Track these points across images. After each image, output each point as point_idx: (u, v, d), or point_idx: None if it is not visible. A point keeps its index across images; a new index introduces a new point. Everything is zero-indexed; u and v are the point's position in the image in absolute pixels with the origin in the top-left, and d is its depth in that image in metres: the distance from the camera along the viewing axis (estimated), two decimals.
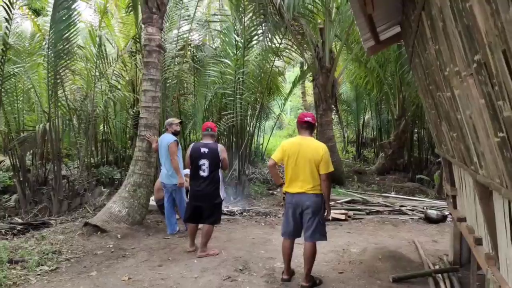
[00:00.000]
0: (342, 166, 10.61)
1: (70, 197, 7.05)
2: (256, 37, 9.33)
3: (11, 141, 7.16)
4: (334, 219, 6.44)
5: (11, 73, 7.14)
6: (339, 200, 7.57)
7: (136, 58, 8.94)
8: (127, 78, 9.64)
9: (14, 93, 7.77)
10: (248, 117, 10.11)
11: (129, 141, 10.09)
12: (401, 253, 4.89)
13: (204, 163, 4.66)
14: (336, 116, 15.25)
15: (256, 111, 10.37)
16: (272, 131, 11.87)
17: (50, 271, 4.21)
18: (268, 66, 9.85)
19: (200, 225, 4.88)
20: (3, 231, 5.77)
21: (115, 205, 5.75)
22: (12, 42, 7.13)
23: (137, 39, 8.44)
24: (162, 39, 6.54)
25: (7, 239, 5.37)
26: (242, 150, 9.00)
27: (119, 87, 9.23)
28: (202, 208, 4.71)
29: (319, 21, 9.78)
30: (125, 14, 9.12)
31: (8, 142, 7.23)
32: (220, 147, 4.77)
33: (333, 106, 10.88)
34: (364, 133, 15.97)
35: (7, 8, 6.46)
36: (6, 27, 6.53)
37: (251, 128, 10.06)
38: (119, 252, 4.84)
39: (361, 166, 12.84)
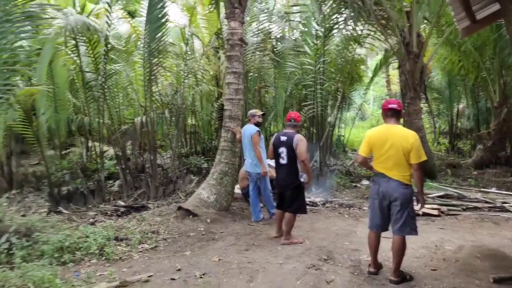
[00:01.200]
0: (433, 158, 9.92)
1: (165, 183, 7.68)
2: (336, 25, 9.12)
3: (114, 133, 8.00)
4: (425, 214, 6.07)
5: (113, 71, 7.96)
6: (430, 194, 7.11)
7: (219, 53, 9.34)
8: (211, 73, 10.12)
9: (115, 90, 8.64)
10: (329, 108, 9.95)
11: (214, 133, 10.61)
12: (504, 253, 4.45)
13: (283, 151, 4.73)
14: (426, 104, 14.24)
15: (337, 101, 10.15)
16: (354, 122, 11.53)
17: (150, 249, 4.66)
18: (349, 54, 9.57)
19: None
20: (109, 212, 6.53)
21: (204, 192, 6.11)
22: (113, 43, 7.92)
23: (220, 35, 8.81)
24: (244, 33, 6.73)
25: (112, 219, 6.05)
26: (323, 141, 8.91)
27: (204, 81, 9.74)
28: (284, 195, 4.81)
29: (405, 3, 9.19)
30: (208, 11, 9.56)
31: (111, 134, 8.08)
32: (297, 136, 4.73)
33: (422, 94, 10.19)
34: (459, 123, 14.68)
35: (107, 13, 7.21)
36: (107, 29, 7.29)
37: (332, 119, 9.90)
38: (209, 235, 5.16)
39: (456, 159, 11.86)
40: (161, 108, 8.50)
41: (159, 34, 7.29)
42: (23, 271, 3.60)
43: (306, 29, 9.68)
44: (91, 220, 6.07)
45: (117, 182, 7.98)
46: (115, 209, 6.60)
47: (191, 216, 5.73)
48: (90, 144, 9.08)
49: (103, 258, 4.30)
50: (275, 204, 5.56)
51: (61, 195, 7.24)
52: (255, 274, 3.82)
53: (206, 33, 10.38)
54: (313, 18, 9.40)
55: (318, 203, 6.96)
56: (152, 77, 7.68)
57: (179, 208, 5.86)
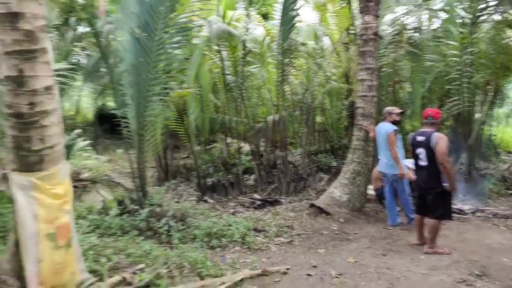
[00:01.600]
0: None
1: (296, 180, 7.90)
2: (486, 10, 7.97)
3: (249, 130, 8.55)
4: None
5: (249, 73, 8.51)
6: None
7: (348, 49, 9.12)
8: (341, 70, 9.95)
9: (250, 90, 9.22)
10: (478, 103, 8.80)
11: (343, 131, 10.43)
12: None
13: (421, 152, 4.36)
14: None
15: (488, 96, 8.90)
16: (508, 119, 9.96)
17: (286, 242, 4.86)
18: (503, 42, 8.28)
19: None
20: (246, 204, 7.03)
21: (336, 191, 6.08)
22: (249, 47, 8.44)
23: (350, 30, 8.60)
24: (378, 27, 6.43)
25: (250, 211, 6.50)
26: (470, 141, 7.93)
27: (334, 78, 9.64)
28: (426, 199, 4.44)
29: None
30: (339, 7, 9.41)
31: (247, 131, 8.67)
32: (436, 134, 4.26)
33: None
34: None
35: (245, 19, 7.73)
36: (245, 34, 7.80)
37: (481, 116, 8.73)
38: (343, 235, 5.12)
39: None
40: (292, 107, 8.74)
41: (291, 35, 7.49)
42: (180, 251, 4.13)
43: (449, 17, 8.71)
44: (231, 210, 6.63)
45: (253, 177, 8.51)
46: (252, 202, 7.07)
47: (323, 214, 5.76)
48: (228, 140, 9.89)
49: (245, 246, 4.65)
50: (413, 208, 5.20)
51: (206, 185, 8.07)
52: (396, 282, 3.63)
53: (336, 30, 10.24)
54: (457, 4, 8.41)
55: (467, 211, 6.23)
56: (284, 77, 7.94)
57: (312, 205, 5.95)
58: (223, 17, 8.96)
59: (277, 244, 4.81)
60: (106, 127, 12.84)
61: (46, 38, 2.29)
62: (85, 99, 13.09)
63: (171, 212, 5.14)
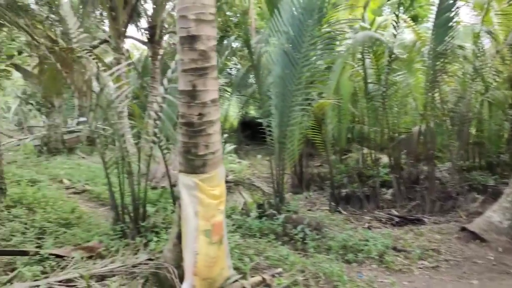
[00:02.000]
0: None
1: (442, 198, 7.12)
2: None
3: (389, 141, 8.07)
4: None
5: (394, 80, 8.03)
6: None
7: None
8: (505, 75, 8.59)
9: (394, 99, 8.70)
10: None
11: (504, 145, 8.98)
12: None
13: None
14: None
15: None
16: None
17: (430, 267, 4.41)
18: None
19: None
20: (383, 219, 6.64)
21: (495, 215, 5.25)
22: (396, 53, 7.98)
23: None
24: None
25: (386, 227, 6.12)
26: None
27: (495, 85, 8.38)
28: None
29: None
30: (506, 4, 8.16)
31: (386, 142, 8.20)
32: None
33: None
34: None
35: (394, 23, 7.34)
36: (393, 40, 7.40)
37: None
38: (501, 267, 4.39)
39: None
40: (441, 117, 7.91)
41: (446, 38, 6.80)
42: (315, 260, 4.15)
43: None
44: (366, 224, 6.35)
45: (390, 191, 8.01)
46: (389, 218, 6.64)
47: (477, 241, 5.04)
48: (365, 151, 9.53)
49: (383, 265, 4.39)
50: None
51: (340, 196, 7.94)
52: None
53: (501, 30, 8.90)
54: None
55: None
56: (434, 84, 7.25)
57: (463, 229, 5.27)
58: (371, 24, 8.72)
59: (420, 267, 4.41)
60: (247, 133, 13.82)
61: (215, 56, 2.60)
62: (232, 108, 14.40)
63: (307, 220, 5.20)
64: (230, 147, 8.11)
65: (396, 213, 7.00)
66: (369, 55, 7.69)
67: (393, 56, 7.37)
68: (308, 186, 8.97)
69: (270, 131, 5.58)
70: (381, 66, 7.56)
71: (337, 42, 6.17)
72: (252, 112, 16.46)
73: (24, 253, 3.60)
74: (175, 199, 5.69)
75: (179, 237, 3.13)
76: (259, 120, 5.87)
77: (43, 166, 8.71)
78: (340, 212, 7.26)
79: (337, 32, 5.56)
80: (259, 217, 5.42)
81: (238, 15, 9.99)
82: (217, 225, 3.00)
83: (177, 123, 5.65)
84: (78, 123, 12.38)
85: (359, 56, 7.79)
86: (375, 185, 7.92)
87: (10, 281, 3.11)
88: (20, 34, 7.35)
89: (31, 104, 11.59)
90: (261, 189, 7.79)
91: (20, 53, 7.79)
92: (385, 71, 7.46)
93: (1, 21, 5.13)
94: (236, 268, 3.55)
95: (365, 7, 7.77)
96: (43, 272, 3.36)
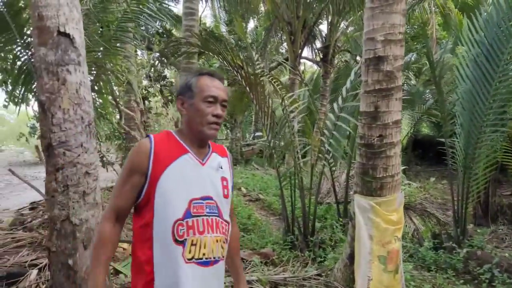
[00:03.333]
0: None
1: None
2: None
3: None
4: None
5: None
6: None
7: None
8: None
9: None
10: None
11: None
12: None
13: None
14: None
15: None
16: None
17: None
18: None
19: None
20: None
21: None
22: None
23: None
24: None
25: None
26: None
27: None
28: None
29: None
30: None
31: None
32: None
33: None
34: None
35: None
36: None
37: None
38: None
39: None
40: None
41: None
42: None
43: None
44: None
45: None
46: None
47: None
48: None
49: None
50: None
51: None
52: None
53: None
54: None
55: None
56: None
57: None
58: None
59: None
60: (418, 153, 12.71)
61: (401, 76, 2.49)
62: (402, 125, 13.53)
63: (497, 259, 4.42)
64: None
65: None
66: None
67: None
68: (495, 219, 7.62)
69: (453, 152, 4.99)
70: None
71: None
72: (425, 129, 15.10)
73: None
74: (342, 216, 5.67)
75: (351, 258, 3.09)
76: (439, 140, 5.33)
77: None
78: None
79: None
80: (434, 248, 4.89)
81: (415, 26, 9.34)
82: (393, 253, 2.83)
83: (348, 141, 5.66)
84: (254, 137, 13.69)
85: None
86: None
87: None
88: (215, 61, 8.64)
89: None
90: (436, 216, 6.99)
91: None
92: None
93: (202, 50, 6.11)
94: None
95: None
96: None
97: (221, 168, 1.59)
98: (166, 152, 1.48)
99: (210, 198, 1.51)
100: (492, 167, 5.71)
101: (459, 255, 4.51)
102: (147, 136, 1.53)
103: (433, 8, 9.44)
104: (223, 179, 1.58)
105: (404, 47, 2.52)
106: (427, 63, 5.23)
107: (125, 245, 4.12)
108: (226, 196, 1.57)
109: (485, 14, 4.43)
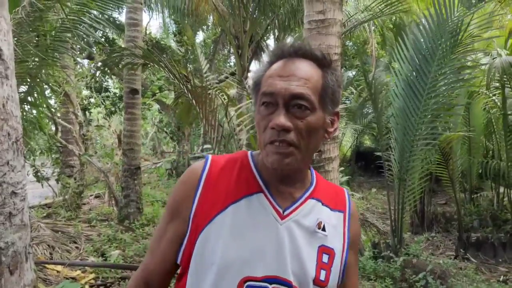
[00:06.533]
0: None
1: None
2: None
3: None
4: None
5: None
6: None
7: None
8: None
9: None
10: None
11: None
12: None
13: None
14: None
15: None
16: None
17: None
18: None
19: None
20: None
21: None
22: None
23: None
24: None
25: None
26: None
27: None
28: None
29: None
30: None
31: None
32: None
33: None
34: None
35: None
36: None
37: None
38: None
39: None
40: None
41: None
42: None
43: None
44: (502, 276, 5.46)
45: None
46: None
47: None
48: (501, 190, 8.29)
49: None
50: None
51: (469, 241, 7.00)
52: None
53: None
54: None
55: None
56: None
57: None
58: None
59: None
60: (361, 164, 13.32)
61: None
62: (345, 138, 14.15)
63: (430, 266, 4.71)
64: (343, 178, 7.85)
65: None
66: (509, 84, 6.79)
67: None
68: (430, 227, 8.14)
69: (389, 165, 5.29)
70: None
71: (468, 71, 5.58)
72: (367, 142, 15.86)
73: None
74: None
75: None
76: (377, 153, 5.63)
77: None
78: (468, 260, 6.40)
79: (471, 60, 5.07)
80: (374, 257, 5.11)
81: (356, 45, 9.92)
82: None
83: None
84: (203, 150, 13.58)
85: (496, 84, 6.94)
86: None
87: None
88: (161, 71, 8.52)
89: (166, 132, 13.17)
90: (376, 226, 7.34)
91: (160, 89, 9.03)
92: None
93: (147, 61, 6.00)
94: None
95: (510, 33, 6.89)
96: None
97: (323, 230, 0.91)
98: (224, 187, 0.90)
99: (283, 281, 0.84)
100: (426, 178, 6.14)
101: (396, 263, 4.75)
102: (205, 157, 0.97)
103: (372, 28, 10.09)
104: (324, 250, 0.90)
105: (340, 67, 2.65)
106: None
107: (58, 268, 3.86)
108: (321, 284, 0.88)
109: (412, 35, 4.79)
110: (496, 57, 6.11)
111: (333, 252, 0.91)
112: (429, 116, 4.89)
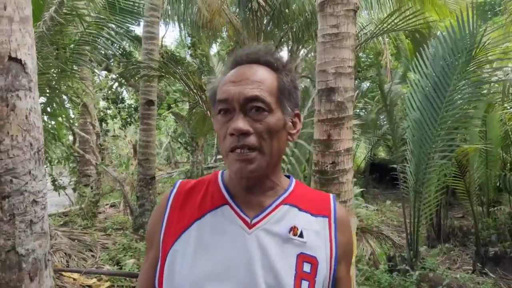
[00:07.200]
0: None
1: None
2: None
3: None
4: None
5: None
6: None
7: None
8: None
9: None
10: None
11: None
12: None
13: None
14: None
15: None
16: None
17: None
18: None
19: None
20: None
21: None
22: None
23: None
24: None
25: None
26: None
27: None
28: None
29: None
30: None
31: None
32: None
33: None
34: None
35: None
36: None
37: None
38: None
39: None
40: None
41: None
42: None
43: None
44: None
45: None
46: None
47: None
48: None
49: None
50: None
51: (487, 255, 6.83)
52: None
53: None
54: None
55: None
56: None
57: None
58: None
59: None
60: (375, 176, 13.17)
61: (351, 106, 2.64)
62: (359, 149, 14.05)
63: (447, 281, 4.62)
64: (357, 190, 7.79)
65: None
66: None
67: None
68: (447, 240, 7.98)
69: (404, 177, 5.24)
70: None
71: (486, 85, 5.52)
72: (382, 153, 15.71)
73: None
74: None
75: None
76: (392, 166, 5.59)
77: None
78: (486, 274, 6.24)
79: (487, 74, 5.03)
80: (390, 270, 5.04)
81: (371, 56, 9.93)
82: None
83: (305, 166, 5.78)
84: (216, 160, 13.67)
85: None
86: None
87: None
88: (176, 83, 8.67)
89: (180, 142, 13.31)
90: (391, 239, 7.22)
91: (175, 101, 9.16)
92: None
93: (162, 73, 6.12)
94: None
95: None
96: None
97: (299, 237, 0.85)
98: (190, 205, 0.89)
99: None
100: (443, 191, 6.06)
101: (412, 277, 4.67)
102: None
103: (387, 39, 10.10)
104: (305, 258, 0.84)
105: (353, 80, 2.67)
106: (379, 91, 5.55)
107: (75, 275, 3.92)
108: None
109: (433, 48, 4.79)
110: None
111: (315, 261, 0.84)
112: (446, 129, 4.85)
